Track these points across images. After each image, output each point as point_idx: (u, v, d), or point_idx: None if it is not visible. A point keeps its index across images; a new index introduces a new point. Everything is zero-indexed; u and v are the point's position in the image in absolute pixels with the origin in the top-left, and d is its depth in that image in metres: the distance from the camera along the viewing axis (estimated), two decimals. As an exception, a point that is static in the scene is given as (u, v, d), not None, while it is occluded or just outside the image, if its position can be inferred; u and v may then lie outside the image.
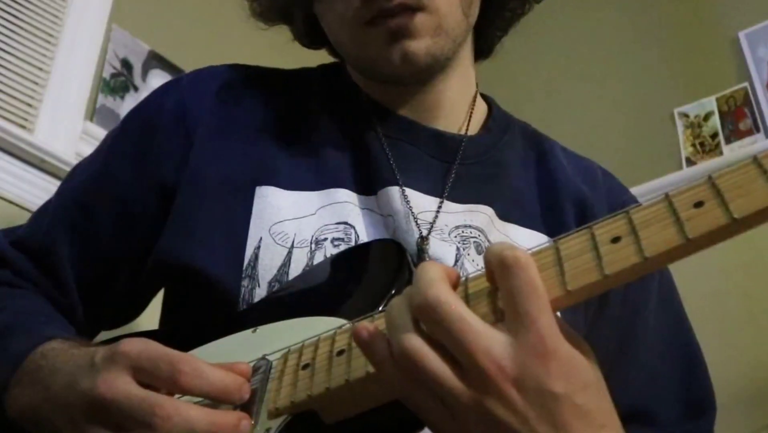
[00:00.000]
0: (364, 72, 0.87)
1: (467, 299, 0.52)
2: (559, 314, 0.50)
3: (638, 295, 0.86)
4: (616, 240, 0.48)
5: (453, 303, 0.48)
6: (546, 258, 0.50)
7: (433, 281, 0.49)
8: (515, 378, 0.46)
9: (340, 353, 0.56)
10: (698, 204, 0.45)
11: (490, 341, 0.47)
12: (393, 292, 0.63)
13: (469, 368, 0.47)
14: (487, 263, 0.50)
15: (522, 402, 0.47)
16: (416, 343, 0.49)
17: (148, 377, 0.58)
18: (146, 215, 0.84)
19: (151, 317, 0.91)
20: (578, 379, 0.48)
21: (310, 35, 0.91)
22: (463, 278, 0.54)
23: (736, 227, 0.44)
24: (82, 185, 0.88)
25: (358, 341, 0.52)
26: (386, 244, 0.72)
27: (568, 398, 0.47)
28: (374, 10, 0.77)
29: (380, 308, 0.61)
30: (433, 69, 0.82)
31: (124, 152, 0.87)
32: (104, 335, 0.90)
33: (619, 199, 0.90)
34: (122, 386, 0.57)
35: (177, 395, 0.58)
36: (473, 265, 0.78)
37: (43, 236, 0.86)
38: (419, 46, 0.77)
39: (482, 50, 0.90)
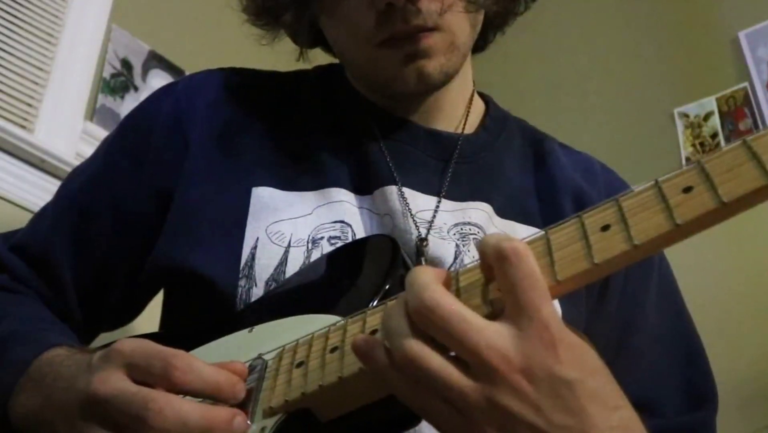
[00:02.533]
0: (374, 88, 0.87)
1: (458, 291, 0.52)
2: (559, 309, 0.50)
3: (637, 288, 0.86)
4: (605, 228, 0.47)
5: (450, 303, 0.48)
6: (536, 248, 0.50)
7: (427, 283, 0.49)
8: (524, 369, 0.46)
9: (333, 350, 0.56)
10: (687, 189, 0.45)
11: (493, 336, 0.47)
12: (387, 287, 0.63)
13: (475, 365, 0.47)
14: (483, 255, 0.50)
15: (534, 392, 0.46)
16: (417, 346, 0.48)
17: (141, 373, 0.58)
18: (144, 219, 0.84)
19: (150, 318, 0.91)
20: (587, 363, 0.47)
21: (306, 36, 0.90)
22: (455, 272, 0.53)
23: (725, 211, 0.44)
24: (80, 190, 0.88)
25: (356, 352, 0.52)
26: (380, 239, 0.72)
27: (581, 383, 0.46)
28: (389, 32, 0.76)
29: (374, 304, 0.60)
30: (445, 84, 0.83)
31: (121, 157, 0.87)
32: (104, 337, 0.90)
33: (618, 193, 0.90)
34: (116, 382, 0.57)
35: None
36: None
37: (42, 240, 0.86)
38: (434, 65, 0.78)
39: (477, 46, 0.90)
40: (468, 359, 0.47)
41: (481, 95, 0.96)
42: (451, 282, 0.53)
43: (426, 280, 0.49)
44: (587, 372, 0.47)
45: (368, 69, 0.82)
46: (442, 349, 0.48)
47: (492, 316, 0.49)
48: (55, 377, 0.65)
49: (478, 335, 0.47)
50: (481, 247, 0.50)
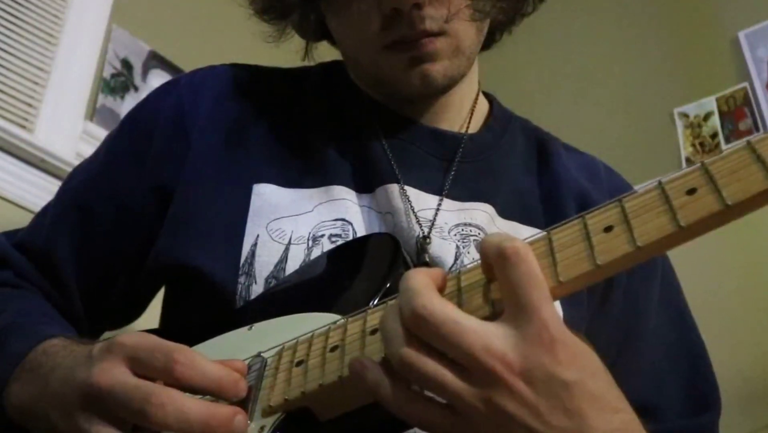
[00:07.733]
0: (379, 89, 0.87)
1: (460, 291, 0.51)
2: (561, 311, 0.50)
3: (641, 290, 0.85)
4: (608, 229, 0.47)
5: (441, 309, 0.47)
6: (538, 249, 0.49)
7: (418, 290, 0.49)
8: (522, 370, 0.46)
9: (334, 349, 0.56)
10: (691, 191, 0.45)
11: (489, 337, 0.46)
12: (388, 285, 0.63)
13: (471, 367, 0.47)
14: (484, 255, 0.50)
15: (532, 394, 0.46)
16: (413, 352, 0.48)
17: (143, 367, 0.57)
18: (145, 216, 0.84)
19: (151, 316, 0.91)
20: (587, 365, 0.47)
21: (313, 31, 0.90)
22: (456, 272, 0.53)
23: (729, 213, 0.44)
24: (82, 187, 0.88)
25: (352, 374, 0.52)
26: (382, 238, 0.72)
27: (580, 385, 0.46)
28: (395, 36, 0.76)
29: (374, 303, 0.60)
30: (450, 88, 0.83)
31: (123, 154, 0.87)
32: (106, 336, 0.90)
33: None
34: (117, 375, 0.57)
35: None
36: None
37: (44, 238, 0.86)
38: (438, 69, 0.78)
39: (483, 45, 0.90)
40: (464, 362, 0.47)
41: (486, 95, 0.96)
42: (450, 283, 0.53)
43: (417, 286, 0.49)
44: (587, 374, 0.46)
45: (373, 70, 0.82)
46: (439, 354, 0.48)
47: (494, 316, 0.49)
48: (52, 367, 0.65)
49: (472, 337, 0.46)
50: (483, 246, 0.50)
